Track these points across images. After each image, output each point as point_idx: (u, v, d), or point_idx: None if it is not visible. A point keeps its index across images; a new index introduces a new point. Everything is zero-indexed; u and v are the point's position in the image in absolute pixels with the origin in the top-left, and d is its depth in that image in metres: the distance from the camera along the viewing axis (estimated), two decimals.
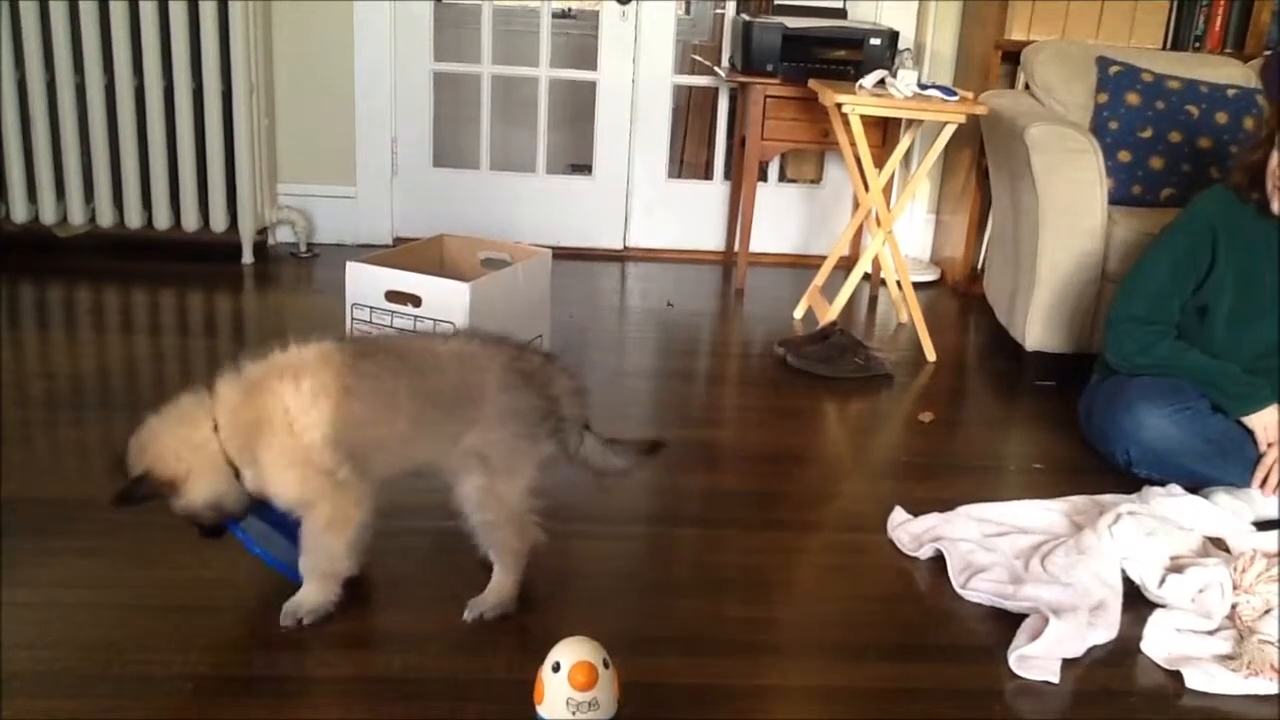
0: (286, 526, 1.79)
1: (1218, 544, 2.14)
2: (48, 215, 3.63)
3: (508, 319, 2.74)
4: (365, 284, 2.78)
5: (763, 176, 4.09)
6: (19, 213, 3.61)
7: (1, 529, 1.97)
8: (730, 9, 4.10)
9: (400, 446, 1.74)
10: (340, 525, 1.71)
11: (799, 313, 3.59)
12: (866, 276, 3.84)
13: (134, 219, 3.65)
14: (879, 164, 3.42)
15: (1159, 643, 1.86)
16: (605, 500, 1.89)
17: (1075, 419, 2.72)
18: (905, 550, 2.13)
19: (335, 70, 3.85)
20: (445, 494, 1.80)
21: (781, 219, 4.21)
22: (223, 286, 3.52)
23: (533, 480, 1.77)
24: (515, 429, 1.73)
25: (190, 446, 1.66)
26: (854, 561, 2.11)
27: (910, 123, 3.44)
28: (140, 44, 3.49)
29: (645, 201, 4.15)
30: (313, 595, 1.76)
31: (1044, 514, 2.27)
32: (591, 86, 4.05)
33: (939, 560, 2.08)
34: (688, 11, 5.22)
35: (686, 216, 4.19)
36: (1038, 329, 3.03)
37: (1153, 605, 1.96)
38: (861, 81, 3.29)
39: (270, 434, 1.65)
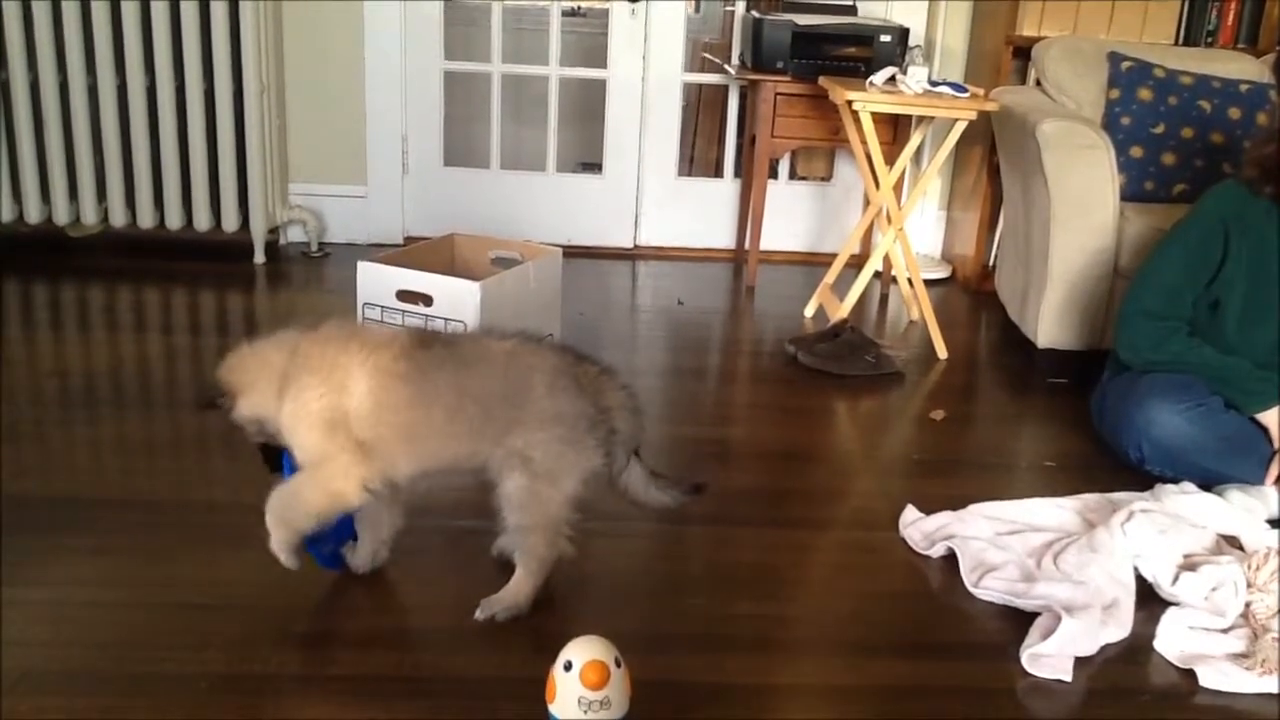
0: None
1: (1231, 542, 2.13)
2: (61, 215, 3.65)
3: (519, 318, 2.75)
4: (376, 283, 2.79)
5: (773, 174, 4.09)
6: (32, 213, 3.63)
7: (2, 527, 1.98)
8: (740, 6, 4.10)
9: (435, 438, 1.74)
10: (326, 496, 1.70)
11: (810, 310, 3.59)
12: (877, 274, 3.83)
13: (146, 219, 3.67)
14: (890, 161, 3.42)
15: (1172, 641, 1.86)
16: (616, 499, 1.89)
17: (1087, 416, 2.71)
18: (917, 548, 2.13)
19: (346, 70, 3.86)
20: (458, 493, 1.81)
21: (792, 216, 4.20)
22: (234, 286, 3.53)
23: (575, 491, 1.75)
24: (560, 433, 1.72)
25: (259, 364, 1.74)
26: (866, 560, 2.11)
27: (921, 120, 3.43)
28: (152, 44, 3.50)
29: (655, 199, 4.15)
30: (275, 537, 1.75)
31: (1056, 512, 2.26)
32: (601, 84, 4.06)
33: (951, 558, 2.08)
34: (697, 9, 5.20)
35: (697, 214, 4.19)
36: (1049, 326, 3.02)
37: (1166, 603, 1.96)
38: (872, 78, 3.29)
39: (326, 382, 1.70)
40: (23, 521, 2.01)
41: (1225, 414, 2.39)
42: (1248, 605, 1.92)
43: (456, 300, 2.68)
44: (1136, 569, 2.02)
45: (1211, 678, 1.76)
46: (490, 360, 1.77)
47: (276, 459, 1.80)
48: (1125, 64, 3.24)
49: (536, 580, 1.81)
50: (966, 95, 3.17)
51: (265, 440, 1.77)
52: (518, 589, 1.81)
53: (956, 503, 2.25)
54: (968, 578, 2.01)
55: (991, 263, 3.86)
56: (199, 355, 2.95)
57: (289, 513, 1.73)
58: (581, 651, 1.52)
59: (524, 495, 1.74)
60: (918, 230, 4.15)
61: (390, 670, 1.68)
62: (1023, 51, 3.64)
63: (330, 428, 1.70)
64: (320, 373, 1.71)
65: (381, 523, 1.86)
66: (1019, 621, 1.89)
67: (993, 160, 3.67)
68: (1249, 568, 1.96)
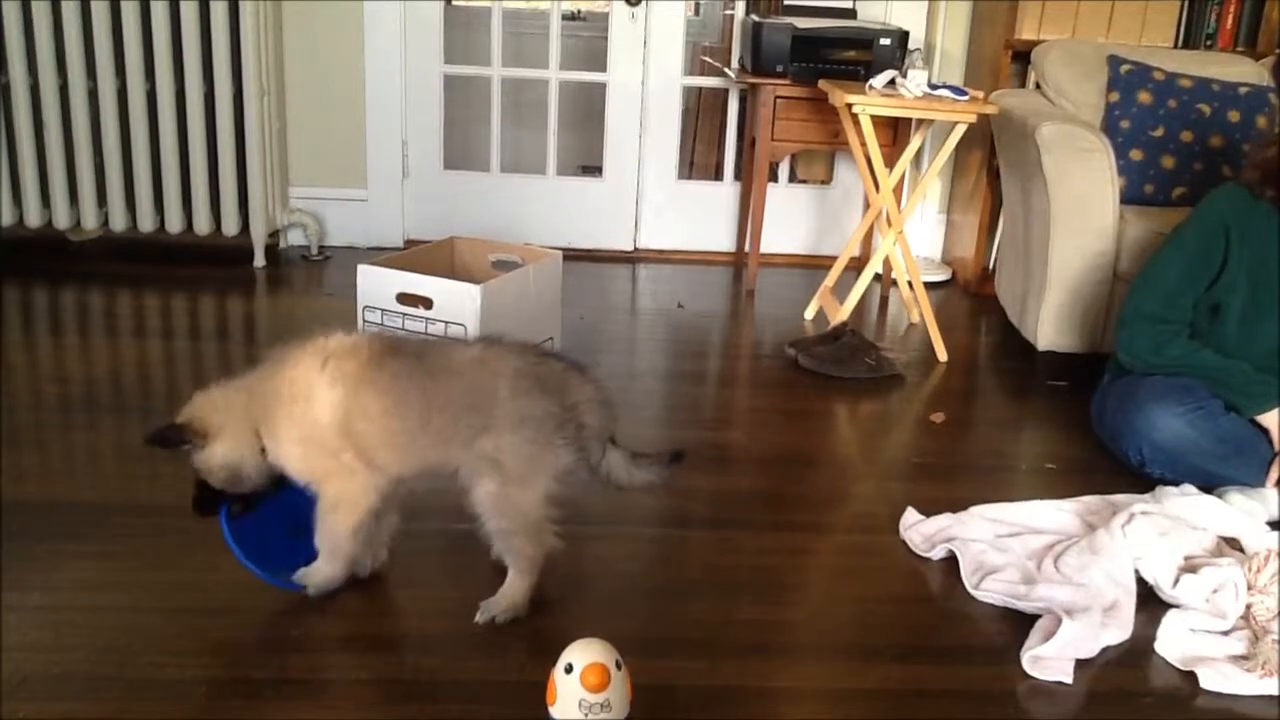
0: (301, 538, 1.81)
1: (1231, 544, 2.13)
2: (61, 219, 3.65)
3: (519, 321, 2.75)
4: (377, 286, 2.79)
5: (773, 177, 4.09)
6: (32, 217, 3.64)
7: (2, 531, 1.98)
8: (740, 10, 4.10)
9: (409, 445, 1.74)
10: (346, 508, 1.74)
11: (810, 313, 3.59)
12: (877, 277, 3.84)
13: (146, 223, 3.67)
14: (889, 164, 3.42)
15: (1173, 643, 1.85)
16: (616, 502, 1.89)
17: (1087, 419, 2.71)
18: (917, 551, 2.13)
19: (346, 73, 3.86)
20: (457, 496, 1.80)
21: (792, 220, 4.21)
22: (235, 289, 3.54)
23: (549, 489, 1.76)
24: (528, 434, 1.72)
25: (229, 406, 1.74)
26: (866, 563, 2.11)
27: (921, 123, 3.43)
28: (152, 48, 3.51)
29: (655, 203, 4.16)
30: (319, 570, 1.80)
31: (1056, 514, 2.26)
32: (601, 88, 4.06)
33: (951, 561, 2.08)
34: (697, 13, 5.22)
35: (697, 217, 4.19)
36: (1049, 329, 3.02)
37: (1166, 605, 1.95)
38: (872, 82, 3.29)
39: (290, 405, 1.71)
40: (23, 526, 2.01)
41: (1225, 416, 2.39)
42: (1248, 607, 1.92)
43: (457, 303, 2.68)
44: (1137, 571, 2.02)
45: (1212, 680, 1.76)
46: (454, 368, 1.77)
47: (211, 505, 1.78)
48: (1124, 67, 3.25)
49: (529, 579, 1.81)
50: (966, 98, 3.17)
51: (227, 489, 1.75)
52: (513, 590, 1.81)
53: (957, 505, 2.26)
54: (968, 580, 2.01)
55: (991, 266, 3.86)
56: (199, 360, 2.95)
57: (331, 542, 1.77)
58: (582, 654, 1.52)
59: (497, 500, 1.74)
60: (918, 233, 4.16)
61: (391, 674, 1.68)
62: (1022, 55, 3.64)
63: (309, 445, 1.71)
64: (283, 399, 1.71)
65: (376, 527, 1.85)
66: (1019, 624, 1.89)
67: (992, 163, 3.67)
68: (1249, 570, 1.96)
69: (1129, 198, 3.08)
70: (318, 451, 1.71)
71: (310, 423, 1.70)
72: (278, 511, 1.81)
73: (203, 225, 3.68)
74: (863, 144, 3.31)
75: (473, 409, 1.73)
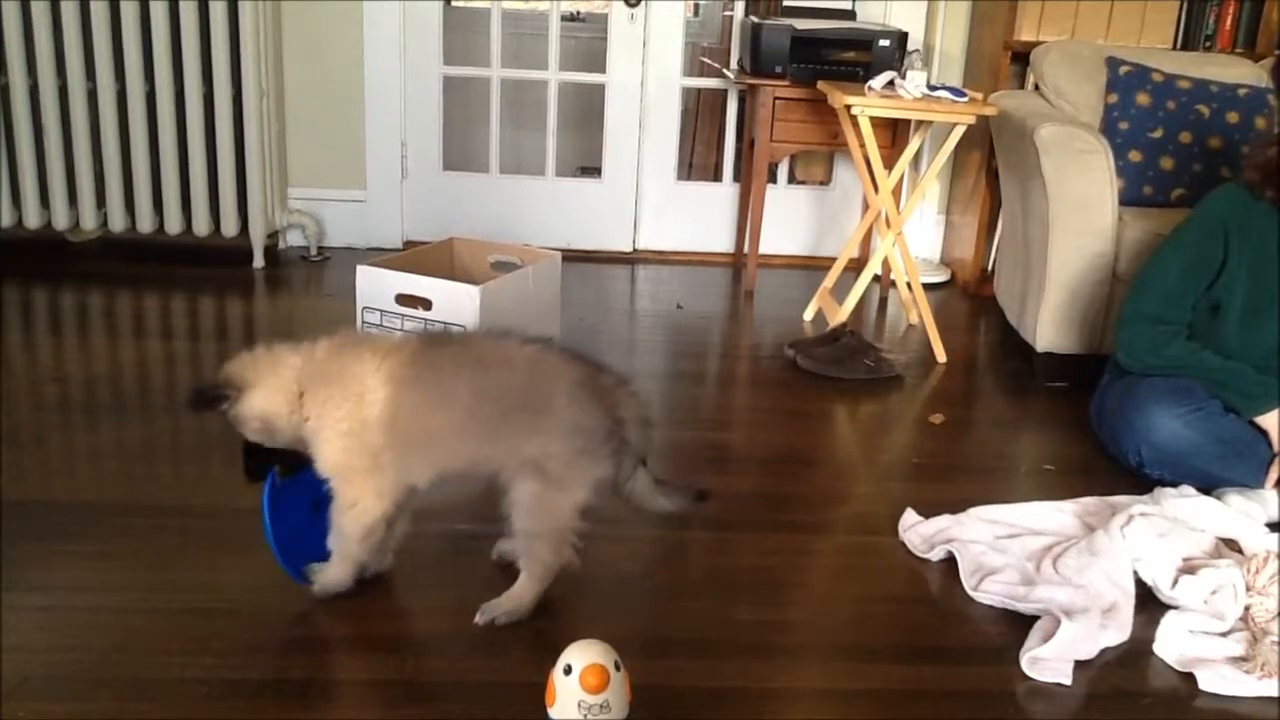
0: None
1: (1230, 545, 2.13)
2: (60, 220, 3.65)
3: (519, 322, 2.75)
4: (376, 287, 2.79)
5: (772, 178, 4.09)
6: (32, 218, 3.63)
7: (2, 532, 1.98)
8: (739, 11, 4.10)
9: (453, 440, 1.74)
10: (360, 510, 1.74)
11: (809, 314, 3.59)
12: (876, 278, 3.84)
13: (145, 224, 3.67)
14: (888, 165, 3.42)
15: (1171, 644, 1.86)
16: (616, 502, 1.89)
17: (1086, 420, 2.72)
18: (916, 552, 2.13)
19: (345, 74, 3.86)
20: (459, 496, 1.81)
21: (791, 221, 4.21)
22: (234, 290, 3.54)
23: (585, 499, 1.76)
24: (578, 444, 1.72)
25: (271, 363, 1.74)
26: (865, 563, 2.11)
27: (920, 124, 3.43)
28: (151, 49, 3.51)
29: (654, 204, 4.16)
30: (328, 571, 1.81)
31: (1056, 515, 2.26)
32: (600, 89, 4.06)
33: (950, 562, 2.08)
34: (696, 13, 5.22)
35: (696, 219, 4.19)
36: (1048, 330, 3.02)
37: (1165, 607, 1.96)
38: (871, 83, 3.29)
39: (343, 392, 1.71)
40: (23, 526, 2.01)
41: (1225, 418, 2.39)
42: (1247, 608, 1.92)
43: (456, 304, 2.68)
44: (1136, 572, 2.02)
45: (1211, 681, 1.76)
46: (512, 365, 1.77)
47: (261, 468, 1.78)
48: (1123, 68, 3.25)
49: (540, 587, 1.81)
50: (965, 99, 3.17)
51: (262, 441, 1.76)
52: (520, 594, 1.81)
53: (956, 506, 2.26)
54: (967, 581, 2.01)
55: (990, 267, 3.86)
56: (199, 360, 2.95)
57: (342, 545, 1.77)
58: (581, 655, 1.52)
59: (535, 502, 1.74)
60: (917, 234, 4.16)
61: (391, 674, 1.68)
62: (1021, 56, 3.65)
63: (350, 440, 1.71)
64: (338, 384, 1.71)
65: (387, 533, 1.85)
66: (1018, 625, 1.89)
67: (991, 164, 3.67)
68: (1248, 571, 1.96)
69: (1128, 199, 3.08)
70: (358, 448, 1.71)
71: (358, 418, 1.70)
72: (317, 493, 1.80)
73: (202, 226, 3.68)
74: (862, 145, 3.31)
75: (527, 409, 1.73)
